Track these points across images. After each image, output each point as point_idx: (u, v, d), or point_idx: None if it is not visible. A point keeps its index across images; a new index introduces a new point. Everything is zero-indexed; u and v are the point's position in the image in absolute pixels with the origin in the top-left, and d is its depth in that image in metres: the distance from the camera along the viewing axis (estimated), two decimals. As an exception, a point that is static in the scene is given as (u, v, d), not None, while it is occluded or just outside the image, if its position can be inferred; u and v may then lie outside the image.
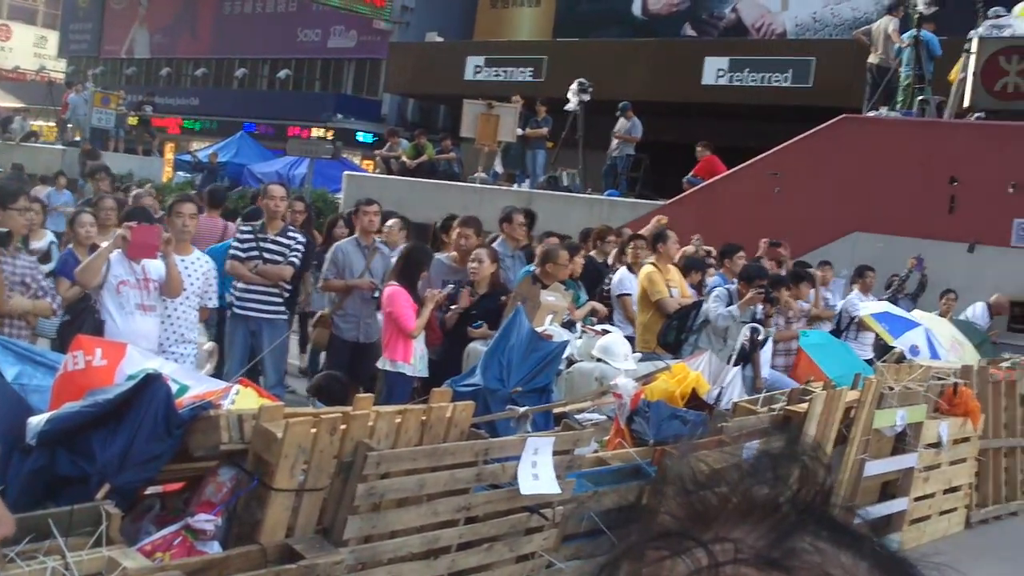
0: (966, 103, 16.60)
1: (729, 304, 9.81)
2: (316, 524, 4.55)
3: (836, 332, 12.79)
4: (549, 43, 33.77)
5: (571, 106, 21.86)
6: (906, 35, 17.86)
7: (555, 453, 5.31)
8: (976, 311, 14.39)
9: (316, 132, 37.38)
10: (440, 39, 35.52)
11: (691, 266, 11.82)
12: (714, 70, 28.41)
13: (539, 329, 7.86)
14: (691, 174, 19.74)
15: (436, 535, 4.98)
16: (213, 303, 8.38)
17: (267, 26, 44.17)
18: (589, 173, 22.85)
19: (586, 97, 21.76)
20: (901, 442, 8.23)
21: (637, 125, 21.29)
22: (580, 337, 8.88)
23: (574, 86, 21.95)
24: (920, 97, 17.49)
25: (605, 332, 8.85)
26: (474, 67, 32.91)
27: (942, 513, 9.05)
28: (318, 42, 42.80)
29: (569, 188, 21.98)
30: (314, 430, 4.41)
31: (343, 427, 4.54)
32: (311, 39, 43.09)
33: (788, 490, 1.00)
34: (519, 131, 22.07)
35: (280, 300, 9.52)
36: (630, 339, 9.95)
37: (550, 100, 22.81)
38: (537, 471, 5.19)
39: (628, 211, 18.25)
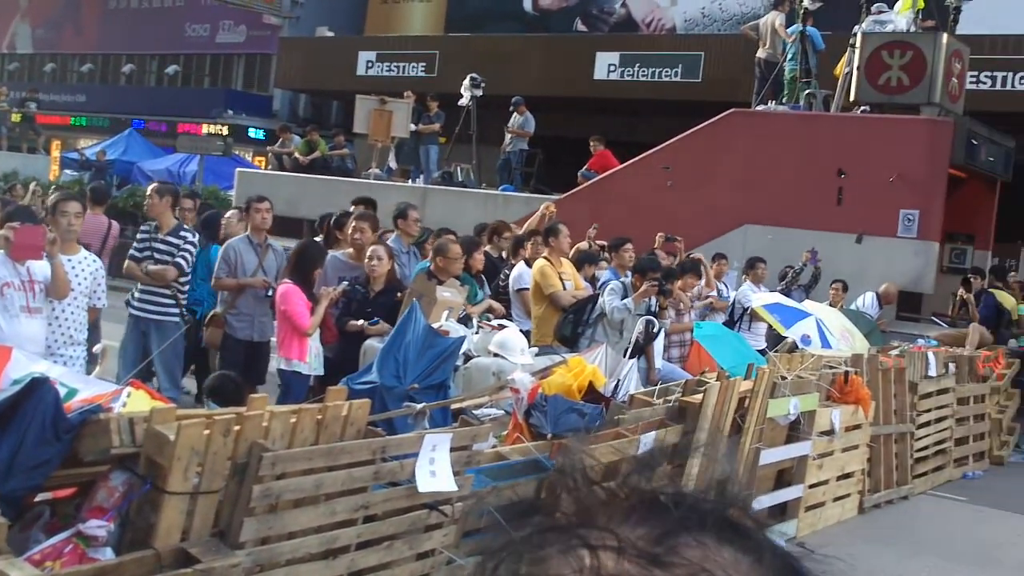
0: (852, 97, 16.95)
1: (624, 297, 9.88)
2: (212, 527, 4.45)
3: (729, 323, 12.97)
4: (441, 38, 33.68)
5: (464, 101, 21.82)
6: (792, 29, 18.17)
7: (453, 449, 5.27)
8: (866, 301, 14.71)
9: (207, 128, 36.77)
10: (331, 34, 35.23)
11: (584, 260, 11.89)
12: (605, 65, 28.60)
13: (436, 325, 7.82)
14: (585, 168, 19.86)
15: (334, 535, 4.92)
16: (102, 303, 8.16)
17: (154, 21, 43.30)
18: (483, 168, 22.84)
19: (479, 92, 21.73)
20: (795, 430, 8.38)
21: (530, 120, 21.33)
22: (477, 332, 8.86)
23: (466, 81, 21.90)
24: (807, 91, 17.82)
25: (502, 327, 8.84)
26: (366, 62, 32.67)
27: (836, 499, 9.23)
28: (207, 37, 42.11)
29: (463, 183, 21.93)
30: (207, 432, 4.31)
31: (237, 428, 4.46)
32: (200, 34, 42.37)
33: (675, 486, 1.00)
34: (412, 127, 21.99)
35: (171, 301, 9.33)
36: (530, 334, 9.97)
37: (443, 95, 22.76)
38: (435, 468, 5.15)
39: (523, 206, 18.27)
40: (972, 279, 15.73)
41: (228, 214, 11.78)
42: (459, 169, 22.73)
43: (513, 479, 5.81)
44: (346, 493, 4.91)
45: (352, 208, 11.39)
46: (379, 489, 5.09)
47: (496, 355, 8.27)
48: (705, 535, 0.94)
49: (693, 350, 11.28)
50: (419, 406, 6.34)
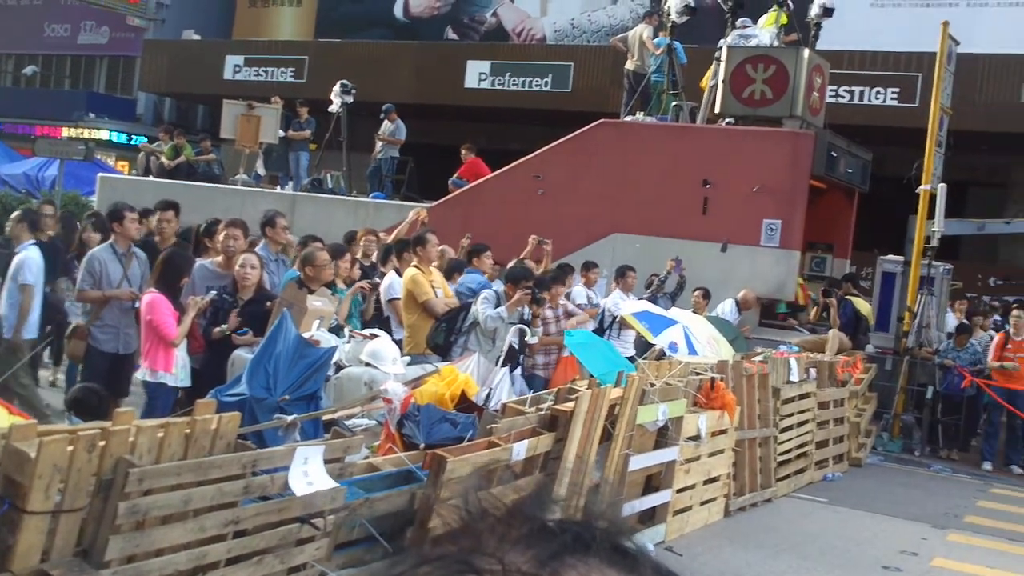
0: (717, 109, 17.31)
1: (497, 306, 9.93)
2: (75, 546, 4.34)
3: (599, 331, 13.12)
4: (310, 43, 33.40)
5: (334, 108, 21.65)
6: (659, 42, 18.49)
7: (326, 461, 5.23)
8: (726, 307, 15.03)
9: (67, 132, 35.75)
10: (197, 37, 34.63)
11: (453, 268, 11.93)
12: (476, 73, 28.70)
13: (306, 335, 7.73)
14: (456, 176, 19.86)
15: (204, 551, 4.83)
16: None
17: (10, 19, 41.85)
18: (354, 175, 22.68)
19: (349, 99, 21.58)
20: (663, 436, 8.52)
21: (401, 127, 21.27)
22: (348, 342, 8.80)
23: (337, 88, 21.75)
24: (674, 103, 18.14)
25: (373, 336, 8.79)
26: (233, 66, 32.19)
27: (703, 503, 9.41)
28: (67, 38, 40.91)
29: (333, 190, 21.75)
30: (71, 448, 4.20)
31: (102, 443, 4.35)
32: (59, 34, 41.13)
33: (565, 514, 1.02)
34: (281, 133, 21.74)
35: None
36: (402, 343, 9.96)
37: (312, 101, 22.57)
38: (310, 479, 5.11)
39: (394, 213, 18.20)
40: (835, 291, 16.18)
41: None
42: (329, 176, 22.54)
43: (386, 490, 5.79)
44: (216, 508, 4.83)
45: (158, 210, 11.18)
46: (249, 503, 5.02)
47: (368, 365, 8.24)
48: (590, 557, 0.97)
49: (560, 360, 11.38)
50: (290, 418, 6.27)
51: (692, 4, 17.93)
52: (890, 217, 20.43)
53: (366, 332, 9.00)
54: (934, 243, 15.74)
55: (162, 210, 11.06)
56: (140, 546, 4.52)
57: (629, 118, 18.53)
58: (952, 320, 16.37)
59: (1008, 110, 22.97)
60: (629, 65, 19.19)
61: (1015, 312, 15.36)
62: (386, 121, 21.26)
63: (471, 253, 12.96)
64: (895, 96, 23.64)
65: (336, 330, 8.79)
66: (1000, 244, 26.84)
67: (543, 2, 31.85)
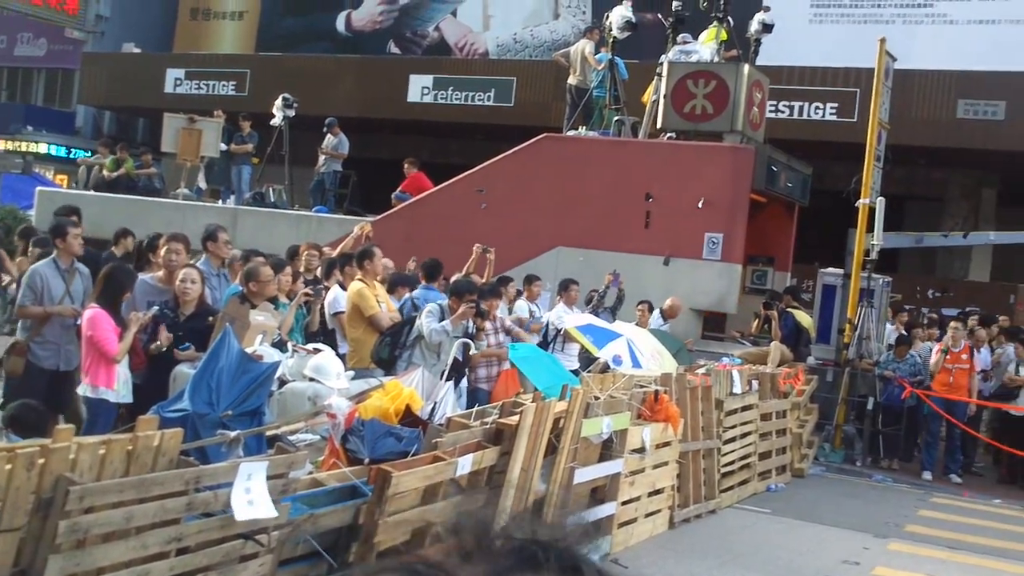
0: (659, 124, 17.44)
1: (441, 319, 9.91)
2: (12, 566, 4.26)
3: (543, 344, 13.13)
4: (252, 57, 33.22)
5: (276, 121, 21.54)
6: (600, 57, 18.61)
7: (269, 477, 5.19)
8: (652, 318, 15.09)
9: (4, 145, 35.24)
10: (138, 50, 34.34)
11: (397, 282, 11.90)
12: (419, 88, 28.68)
13: (249, 350, 7.67)
14: (399, 190, 19.84)
15: (146, 569, 4.77)
16: None
17: (-57, 29, 41.25)
18: (296, 189, 22.57)
19: (291, 112, 21.49)
20: (608, 449, 8.54)
21: (344, 141, 21.21)
22: (291, 356, 8.73)
23: (279, 101, 21.64)
24: (616, 118, 18.26)
25: (317, 351, 8.74)
26: (174, 80, 31.93)
27: (648, 515, 9.45)
28: (4, 49, 40.32)
29: (276, 204, 21.63)
30: (9, 466, 4.13)
31: (41, 461, 4.28)
32: (-5, 46, 40.60)
33: (512, 529, 1.03)
34: (223, 146, 21.58)
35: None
36: (346, 357, 9.91)
37: (254, 115, 22.43)
38: (252, 497, 5.06)
39: (336, 228, 18.14)
40: (776, 303, 16.33)
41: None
42: (271, 190, 22.42)
43: (330, 506, 5.75)
44: (158, 525, 4.78)
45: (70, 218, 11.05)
46: (192, 520, 4.96)
47: (312, 379, 8.17)
48: (541, 572, 0.97)
49: (502, 374, 11.35)
50: (233, 433, 6.22)
51: (633, 20, 18.08)
52: (830, 230, 20.66)
53: (310, 347, 8.94)
54: (873, 256, 15.94)
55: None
56: (80, 565, 4.46)
57: (572, 133, 18.62)
58: (892, 331, 16.58)
59: (944, 125, 23.35)
60: (571, 80, 19.29)
61: (953, 324, 15.60)
62: (329, 135, 21.19)
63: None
64: (834, 111, 23.94)
65: (279, 345, 8.72)
66: (938, 256, 27.27)
67: (485, 17, 31.93)
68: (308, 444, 6.83)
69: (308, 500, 5.68)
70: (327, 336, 10.88)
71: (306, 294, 10.32)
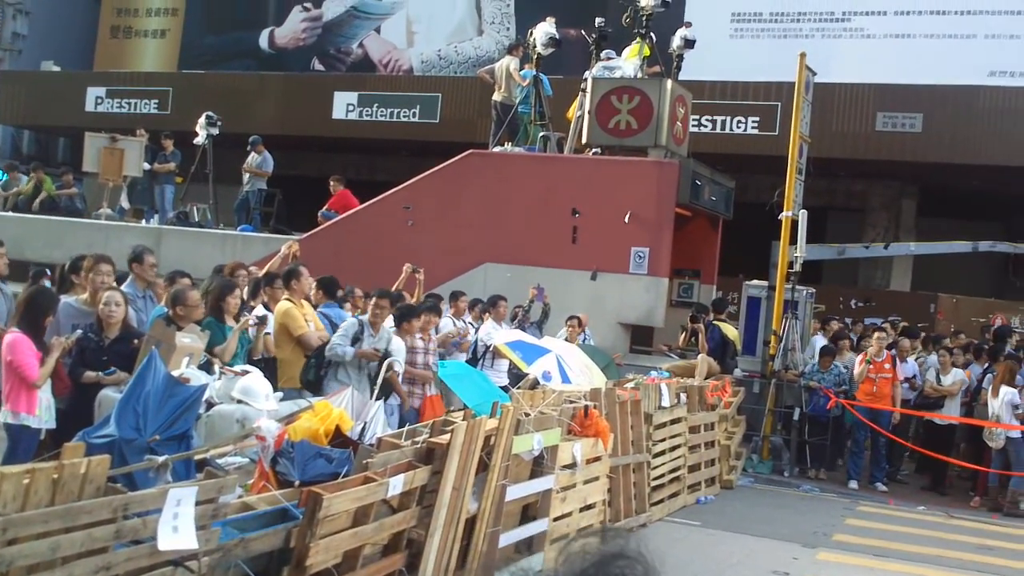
0: (584, 139, 17.56)
1: (359, 337, 10.01)
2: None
3: (472, 361, 13.14)
4: (175, 75, 32.89)
5: (200, 140, 21.34)
6: (525, 74, 18.70)
7: (199, 502, 5.12)
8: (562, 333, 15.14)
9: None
10: (57, 68, 33.83)
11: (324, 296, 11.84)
12: (344, 104, 28.61)
13: (176, 373, 7.57)
14: (325, 208, 19.74)
15: (73, 599, 4.68)
16: None
17: None
18: (221, 208, 22.37)
19: (215, 131, 21.30)
20: (538, 465, 8.53)
21: (268, 159, 21.05)
22: (219, 378, 8.64)
23: (202, 119, 21.44)
24: (541, 134, 18.35)
25: (245, 372, 8.64)
26: (95, 98, 31.51)
27: (579, 530, 9.45)
28: (-83, 69, 39.50)
29: (200, 224, 21.43)
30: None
31: (-38, 492, 4.19)
32: (-92, 65, 39.70)
33: None
34: (146, 165, 21.34)
35: None
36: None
37: (177, 133, 22.23)
38: (177, 523, 4.99)
39: (262, 247, 18.01)
40: (703, 316, 16.48)
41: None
42: (195, 209, 22.21)
43: (261, 529, 5.69)
44: (85, 555, 4.69)
45: None
46: (121, 548, 4.88)
47: (240, 401, 8.09)
48: None
49: (427, 399, 11.28)
50: (161, 458, 6.13)
51: (556, 36, 18.19)
52: (754, 243, 20.94)
53: (237, 368, 8.84)
54: (797, 268, 16.16)
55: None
56: (5, 598, 4.37)
57: (497, 149, 18.68)
58: (820, 342, 16.78)
59: (864, 137, 23.80)
60: (496, 96, 19.35)
61: (876, 335, 15.86)
62: (253, 153, 21.03)
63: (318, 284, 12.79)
64: (756, 125, 24.28)
65: (206, 367, 8.62)
66: (860, 267, 27.74)
67: (409, 34, 31.93)
68: (237, 467, 6.75)
69: (238, 524, 5.61)
70: (268, 360, 10.70)
71: (256, 318, 10.22)
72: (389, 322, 11.04)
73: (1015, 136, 22.86)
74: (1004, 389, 14.21)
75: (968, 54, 24.97)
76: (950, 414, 15.28)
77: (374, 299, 10.82)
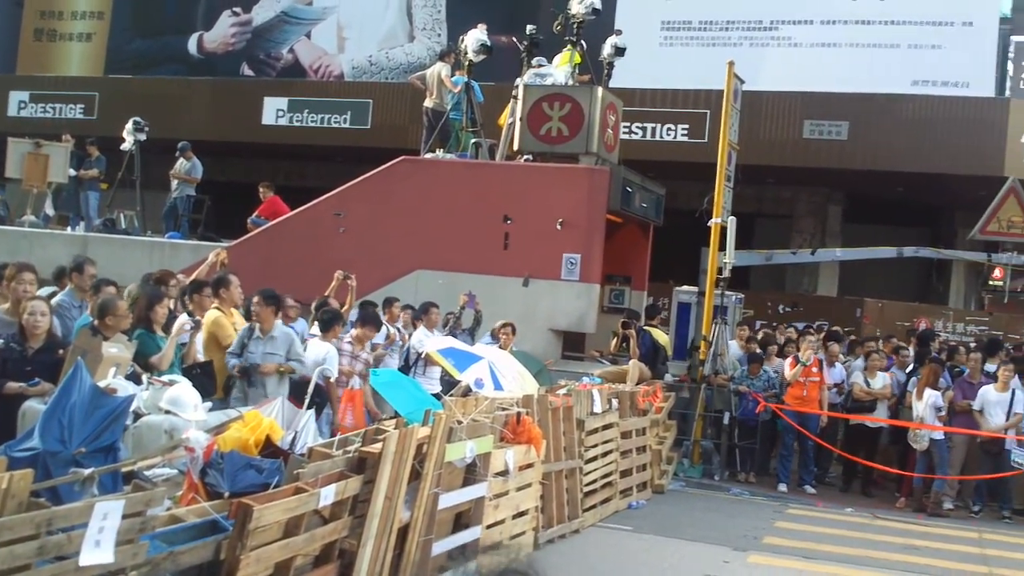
0: (515, 146, 17.58)
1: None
2: None
3: (404, 368, 13.08)
4: (101, 80, 32.47)
5: (126, 146, 21.05)
6: (456, 80, 18.70)
7: (126, 516, 5.04)
8: (486, 341, 15.13)
9: None
10: (-23, 72, 33.30)
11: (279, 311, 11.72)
12: (274, 110, 28.44)
13: (102, 383, 7.46)
14: (255, 214, 19.58)
15: (-4, 618, 4.59)
16: None
17: None
18: (148, 215, 22.09)
19: (142, 136, 21.03)
20: (471, 473, 8.52)
21: (197, 165, 20.82)
22: (147, 389, 8.52)
23: (129, 125, 21.16)
24: (473, 140, 18.35)
25: (173, 383, 8.54)
26: (18, 103, 31.01)
27: (512, 537, 9.44)
28: None
29: (127, 231, 21.14)
30: None
31: None
32: None
33: None
34: (71, 171, 21.02)
35: None
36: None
37: (104, 139, 21.92)
38: (101, 538, 4.90)
39: (190, 254, 17.81)
40: (634, 322, 16.57)
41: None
42: (122, 216, 21.94)
43: (191, 542, 5.62)
44: (7, 573, 4.59)
45: None
46: (44, 565, 4.79)
47: (168, 412, 7.99)
48: None
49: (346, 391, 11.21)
50: (87, 471, 6.03)
51: (488, 43, 18.21)
52: (684, 249, 21.12)
53: (165, 378, 8.73)
54: (726, 274, 16.33)
55: None
56: (-76, 617, 4.26)
57: (429, 155, 18.65)
58: (735, 348, 16.91)
59: (791, 145, 24.13)
60: (428, 103, 19.33)
61: (810, 338, 16.08)
62: (181, 159, 20.79)
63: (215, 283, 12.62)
64: (685, 132, 24.52)
65: (134, 377, 8.50)
66: (787, 273, 28.10)
67: (340, 39, 31.79)
68: (166, 479, 6.66)
69: (167, 537, 5.53)
70: (203, 366, 10.55)
71: (192, 319, 10.11)
72: (302, 326, 10.96)
73: (938, 144, 23.31)
74: (928, 392, 14.47)
75: (892, 63, 25.42)
76: (879, 417, 15.50)
77: (256, 298, 10.64)
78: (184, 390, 8.17)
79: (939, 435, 14.48)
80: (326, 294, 13.58)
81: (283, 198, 19.87)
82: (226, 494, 6.10)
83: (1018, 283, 34.37)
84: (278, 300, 10.74)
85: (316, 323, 12.94)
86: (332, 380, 10.59)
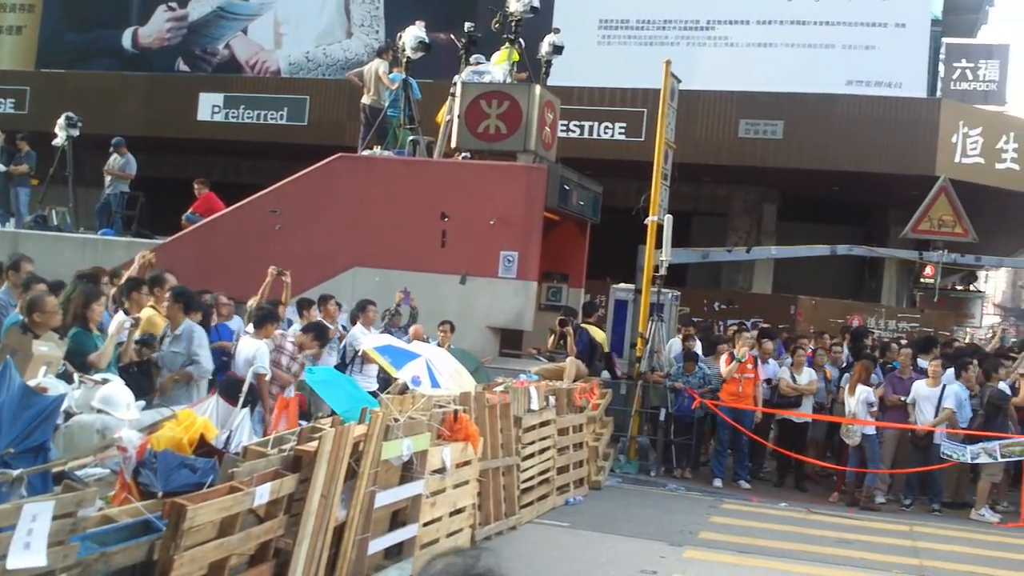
0: (453, 143, 17.57)
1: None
2: None
3: (341, 366, 13.02)
4: (32, 74, 31.94)
5: (59, 141, 20.75)
6: (394, 77, 18.65)
7: (56, 517, 4.98)
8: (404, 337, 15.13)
9: None
10: (-98, 65, 32.63)
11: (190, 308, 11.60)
12: (209, 106, 28.16)
13: (32, 383, 7.35)
14: (190, 211, 19.39)
15: (-80, 623, 4.51)
16: None
17: None
18: (81, 211, 21.78)
19: (75, 132, 20.75)
20: (408, 470, 8.51)
21: (131, 161, 20.57)
22: (79, 388, 8.41)
23: (61, 120, 20.86)
24: (411, 137, 18.31)
25: (105, 381, 8.43)
26: (-54, 97, 30.43)
27: (449, 535, 9.45)
28: None
29: (59, 227, 20.83)
30: None
31: None
32: None
33: None
34: (1, 167, 20.68)
35: None
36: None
37: (36, 134, 21.58)
38: (31, 539, 4.83)
39: (124, 251, 17.59)
40: (571, 319, 16.63)
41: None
42: (54, 212, 21.61)
43: (123, 543, 5.56)
44: (-67, 575, 4.52)
45: None
46: (-29, 568, 4.72)
47: (101, 411, 7.89)
48: None
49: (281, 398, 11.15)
50: (15, 472, 5.94)
51: (426, 40, 18.19)
52: (621, 247, 21.22)
53: (97, 377, 8.62)
54: (662, 271, 16.45)
55: None
56: None
57: (366, 152, 18.57)
58: (678, 346, 17.05)
59: (727, 143, 24.33)
60: (365, 99, 19.25)
61: (746, 335, 16.25)
62: (115, 155, 20.53)
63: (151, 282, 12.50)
64: (623, 131, 24.64)
65: (65, 376, 8.39)
66: (723, 271, 28.35)
67: (277, 35, 31.54)
68: (98, 479, 6.58)
69: (99, 538, 5.47)
70: (140, 365, 10.43)
71: (134, 318, 10.00)
72: (238, 324, 10.86)
73: (872, 143, 23.63)
74: (860, 388, 14.69)
75: (827, 63, 25.73)
76: (805, 412, 15.71)
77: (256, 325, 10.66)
78: (117, 389, 8.07)
79: (871, 430, 14.71)
80: (261, 291, 13.46)
81: (219, 195, 19.69)
82: (159, 494, 6.05)
83: (948, 281, 35.05)
84: (187, 297, 10.64)
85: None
86: (265, 377, 10.51)
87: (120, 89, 29.08)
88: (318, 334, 11.84)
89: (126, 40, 32.82)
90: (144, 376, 9.97)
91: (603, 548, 10.71)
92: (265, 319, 11.24)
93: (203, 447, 6.88)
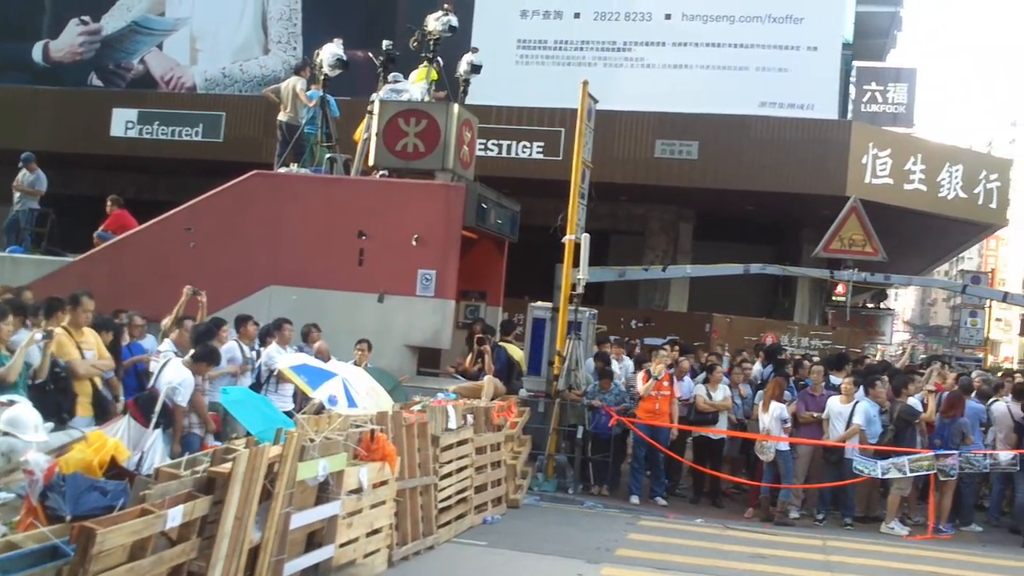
0: (371, 161, 17.52)
1: None
2: None
3: (256, 386, 12.89)
4: (-62, 87, 31.22)
5: (-34, 157, 20.32)
6: (312, 94, 18.57)
7: (-41, 542, 4.87)
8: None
9: None
10: None
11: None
12: (123, 122, 27.79)
13: (-63, 405, 7.18)
14: (101, 228, 19.07)
15: None
16: None
17: None
18: (-11, 228, 21.34)
19: (-17, 147, 20.33)
20: (324, 491, 8.45)
21: (42, 177, 20.18)
22: (-17, 410, 8.21)
23: (-32, 135, 20.44)
24: (328, 155, 18.23)
25: (12, 403, 8.24)
26: None
27: (366, 555, 9.39)
28: None
29: (-34, 245, 20.39)
30: None
31: None
32: None
33: None
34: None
35: None
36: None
37: (-59, 149, 21.12)
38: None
39: (33, 269, 17.28)
40: (489, 338, 16.64)
41: None
42: (-39, 229, 21.12)
43: (28, 569, 5.44)
44: None
45: None
46: None
47: (6, 433, 7.71)
48: None
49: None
50: (-83, 497, 5.80)
51: (344, 58, 18.14)
52: (539, 265, 21.30)
53: (4, 398, 8.42)
54: (580, 290, 16.53)
55: None
56: None
57: (283, 169, 18.45)
58: (615, 365, 17.12)
59: (643, 163, 24.59)
60: (282, 116, 19.14)
61: (663, 352, 16.38)
62: (25, 170, 20.13)
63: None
64: (540, 150, 24.77)
65: (-29, 397, 8.19)
66: (640, 289, 28.58)
67: (193, 51, 31.18)
68: (2, 504, 6.44)
69: (2, 565, 5.35)
70: (56, 383, 10.15)
71: (46, 333, 9.79)
72: (151, 343, 10.69)
73: (785, 164, 24.04)
74: (774, 404, 14.90)
75: (741, 85, 26.09)
76: (721, 428, 15.89)
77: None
78: (24, 410, 7.87)
79: (784, 446, 14.91)
80: (175, 310, 13.26)
81: (133, 212, 19.40)
82: (68, 518, 5.94)
83: (859, 299, 35.70)
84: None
85: (165, 339, 12.68)
86: (180, 404, 10.28)
87: (30, 103, 28.56)
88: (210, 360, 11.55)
89: (36, 54, 32.21)
90: (61, 393, 9.77)
91: (521, 567, 10.71)
92: (205, 358, 10.95)
93: (114, 469, 6.79)
